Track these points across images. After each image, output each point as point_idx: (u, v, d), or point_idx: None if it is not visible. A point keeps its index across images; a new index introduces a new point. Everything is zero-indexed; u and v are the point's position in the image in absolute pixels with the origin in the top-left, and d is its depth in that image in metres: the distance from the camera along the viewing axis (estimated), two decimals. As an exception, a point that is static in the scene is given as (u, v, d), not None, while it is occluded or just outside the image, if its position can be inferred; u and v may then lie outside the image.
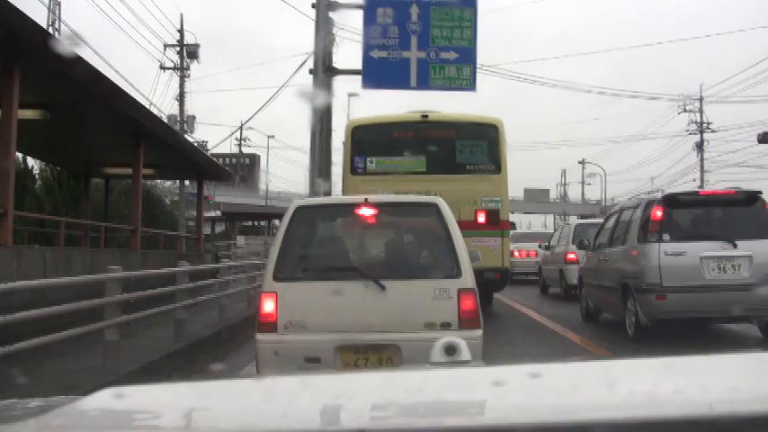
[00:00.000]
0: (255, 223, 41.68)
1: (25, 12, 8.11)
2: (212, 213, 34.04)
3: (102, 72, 10.54)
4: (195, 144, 26.20)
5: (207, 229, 29.04)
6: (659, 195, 9.33)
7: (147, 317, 8.26)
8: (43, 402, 1.35)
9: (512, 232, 16.65)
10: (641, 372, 1.30)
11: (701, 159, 46.28)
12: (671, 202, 9.04)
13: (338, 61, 17.21)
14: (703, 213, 9.24)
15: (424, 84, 15.77)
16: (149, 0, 74.18)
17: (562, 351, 8.60)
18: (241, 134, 56.71)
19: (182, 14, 59.49)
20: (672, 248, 8.53)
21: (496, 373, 1.37)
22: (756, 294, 8.24)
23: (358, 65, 16.07)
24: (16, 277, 7.69)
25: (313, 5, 16.14)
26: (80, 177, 18.51)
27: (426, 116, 12.20)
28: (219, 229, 38.08)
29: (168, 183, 32.87)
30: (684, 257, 8.45)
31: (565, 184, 77.18)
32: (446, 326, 4.83)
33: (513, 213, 27.11)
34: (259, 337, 4.97)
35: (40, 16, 27.75)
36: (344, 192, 12.16)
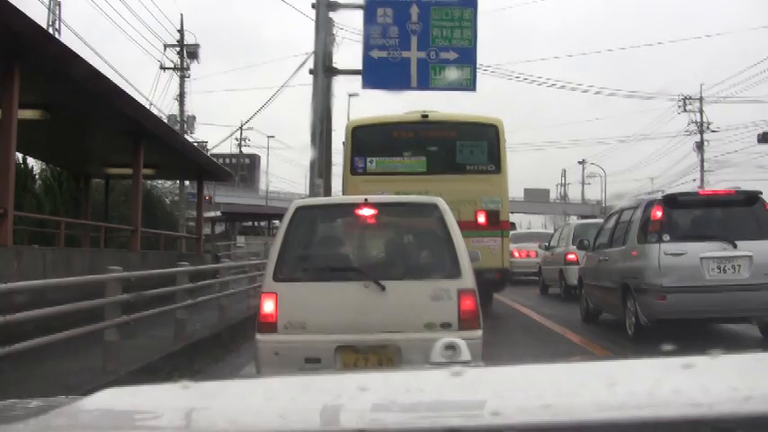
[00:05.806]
0: (255, 223, 41.66)
1: (25, 12, 8.12)
2: (212, 214, 34.00)
3: (102, 72, 10.55)
4: (195, 144, 26.19)
5: (207, 230, 29.01)
6: (659, 195, 9.33)
7: (148, 317, 8.25)
8: (43, 402, 1.35)
9: (512, 232, 16.65)
10: (641, 372, 1.30)
11: (702, 160, 46.25)
12: (671, 202, 9.03)
13: (338, 61, 17.24)
14: (703, 213, 9.23)
15: (424, 84, 15.77)
16: (149, 0, 74.02)
17: (562, 351, 8.60)
18: (241, 134, 56.82)
19: (182, 15, 59.16)
20: (672, 249, 8.52)
21: (496, 374, 1.37)
22: (756, 295, 8.24)
23: (358, 65, 16.07)
24: (16, 277, 7.68)
25: (313, 6, 16.14)
26: (80, 177, 18.51)
27: (426, 116, 12.21)
28: (219, 229, 38.03)
29: (168, 183, 32.82)
30: (684, 258, 8.45)
31: (565, 184, 77.17)
32: (446, 326, 4.82)
33: (513, 213, 27.09)
34: (259, 337, 4.96)
35: (40, 16, 27.78)
36: (344, 192, 12.16)
